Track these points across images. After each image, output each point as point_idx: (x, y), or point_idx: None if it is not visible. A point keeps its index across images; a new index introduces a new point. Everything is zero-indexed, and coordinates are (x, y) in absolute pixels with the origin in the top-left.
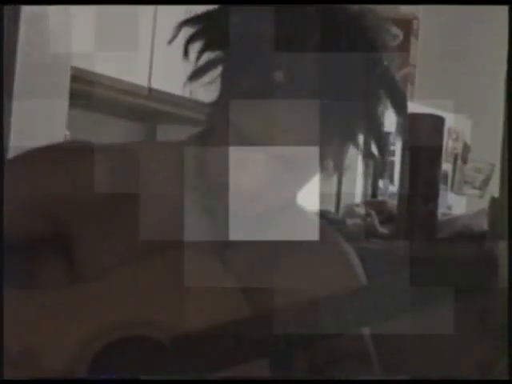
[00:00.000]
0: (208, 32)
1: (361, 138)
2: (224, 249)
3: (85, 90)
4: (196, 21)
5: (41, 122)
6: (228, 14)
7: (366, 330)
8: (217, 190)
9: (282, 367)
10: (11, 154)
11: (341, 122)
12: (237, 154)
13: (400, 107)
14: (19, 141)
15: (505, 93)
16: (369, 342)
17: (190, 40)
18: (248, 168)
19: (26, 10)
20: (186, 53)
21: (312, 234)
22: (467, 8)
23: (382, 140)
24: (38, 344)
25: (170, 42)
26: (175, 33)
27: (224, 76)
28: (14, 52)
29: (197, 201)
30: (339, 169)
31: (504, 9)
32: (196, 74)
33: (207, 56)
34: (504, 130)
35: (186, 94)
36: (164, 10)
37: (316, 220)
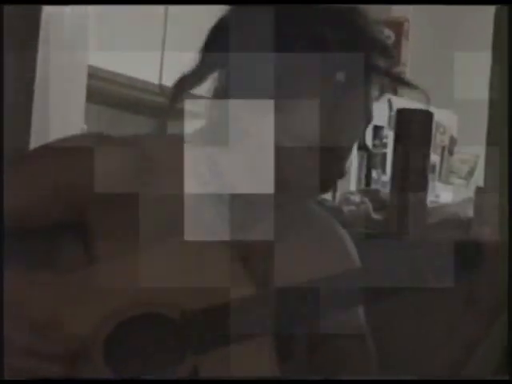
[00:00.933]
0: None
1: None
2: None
3: (100, 87)
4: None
5: (59, 116)
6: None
7: (361, 310)
8: (225, 180)
9: (283, 343)
10: (32, 146)
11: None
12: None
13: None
14: (39, 134)
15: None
16: (363, 322)
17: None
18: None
19: (46, 11)
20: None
21: (309, 224)
22: (455, 9)
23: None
24: (54, 322)
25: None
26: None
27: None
28: (35, 51)
29: (205, 188)
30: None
31: (489, 9)
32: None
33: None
34: (488, 127)
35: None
36: (175, 9)
37: (315, 210)
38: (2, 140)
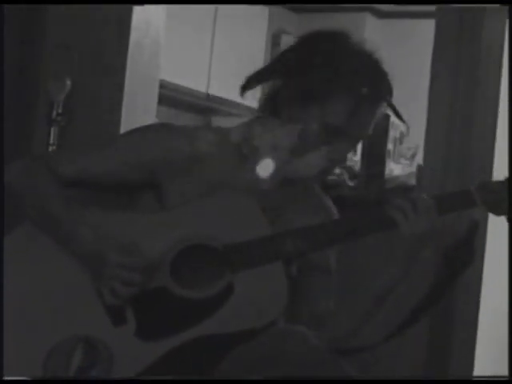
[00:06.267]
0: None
1: None
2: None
3: (167, 94)
4: (254, 79)
5: (140, 114)
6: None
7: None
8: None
9: (287, 266)
10: (121, 131)
11: None
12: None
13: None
14: (126, 126)
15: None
16: (334, 260)
17: (243, 90)
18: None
19: (132, 40)
20: (242, 94)
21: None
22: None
23: None
24: (135, 246)
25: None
26: (242, 91)
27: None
28: (123, 72)
29: (244, 162)
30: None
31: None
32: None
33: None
34: (426, 126)
35: (233, 98)
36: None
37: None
38: (2, 140)
